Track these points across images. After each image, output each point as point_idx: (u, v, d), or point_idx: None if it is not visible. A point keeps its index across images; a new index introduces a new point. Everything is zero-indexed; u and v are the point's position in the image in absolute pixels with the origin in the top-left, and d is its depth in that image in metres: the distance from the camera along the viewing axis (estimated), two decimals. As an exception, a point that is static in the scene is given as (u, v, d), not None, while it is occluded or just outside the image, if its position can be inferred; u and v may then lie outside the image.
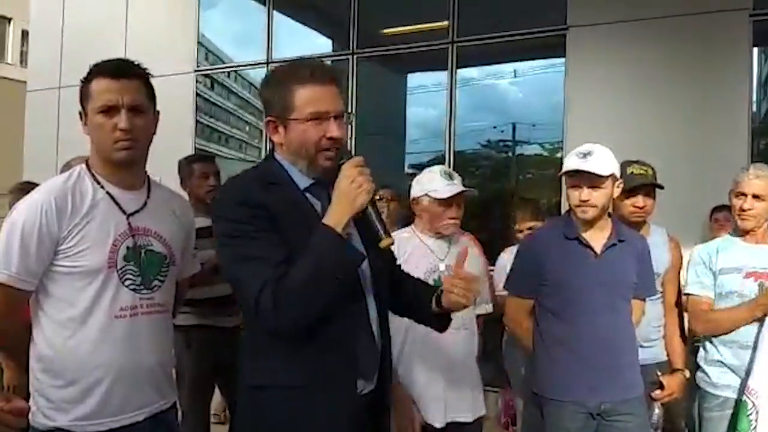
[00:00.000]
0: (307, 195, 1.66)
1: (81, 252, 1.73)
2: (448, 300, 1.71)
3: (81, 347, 1.74)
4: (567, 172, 2.34)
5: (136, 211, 1.84)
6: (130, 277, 1.80)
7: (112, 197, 1.81)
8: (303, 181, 1.66)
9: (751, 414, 2.42)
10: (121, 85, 1.77)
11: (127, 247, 1.79)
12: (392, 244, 1.62)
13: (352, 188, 1.54)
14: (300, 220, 1.58)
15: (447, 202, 2.58)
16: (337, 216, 1.53)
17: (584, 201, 2.32)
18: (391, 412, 1.84)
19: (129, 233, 1.80)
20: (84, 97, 1.79)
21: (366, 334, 1.66)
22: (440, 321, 1.83)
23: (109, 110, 1.75)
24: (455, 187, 2.56)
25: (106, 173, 1.82)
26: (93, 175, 1.82)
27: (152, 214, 1.88)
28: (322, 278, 1.51)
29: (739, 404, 2.48)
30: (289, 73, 1.64)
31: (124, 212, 1.82)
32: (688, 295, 2.72)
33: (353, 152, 1.65)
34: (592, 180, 2.29)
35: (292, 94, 1.60)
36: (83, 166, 1.84)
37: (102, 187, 1.80)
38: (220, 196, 1.73)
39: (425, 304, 1.78)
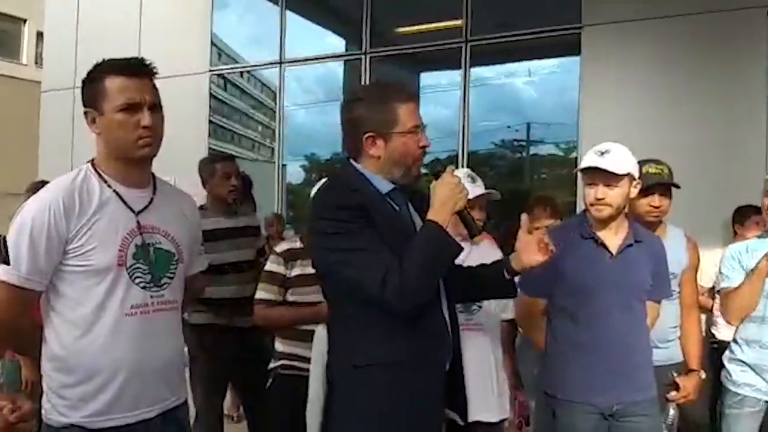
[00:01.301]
0: (387, 199, 1.88)
1: (90, 251, 1.74)
2: (522, 262, 1.93)
3: (93, 345, 1.75)
4: (583, 169, 2.34)
5: (144, 209, 1.85)
6: (140, 275, 1.81)
7: (119, 196, 1.82)
8: (384, 187, 1.88)
9: None
10: (141, 83, 1.80)
11: (136, 245, 1.80)
12: (482, 239, 1.98)
13: (455, 192, 1.82)
14: (387, 220, 1.82)
15: (470, 204, 2.60)
16: (442, 215, 1.80)
17: (599, 199, 2.31)
18: (464, 392, 2.04)
19: (138, 231, 1.81)
20: (94, 95, 1.79)
21: (441, 318, 1.91)
22: (510, 288, 2.04)
23: (130, 108, 1.77)
24: (477, 189, 2.60)
25: (113, 172, 1.83)
26: (99, 175, 1.82)
27: (159, 211, 1.89)
28: (437, 265, 1.80)
29: None
30: (387, 93, 1.89)
31: (132, 210, 1.82)
32: (720, 291, 2.73)
33: None
34: (608, 178, 2.28)
35: (396, 110, 1.84)
36: (89, 165, 1.85)
37: (109, 186, 1.81)
38: (321, 201, 1.91)
39: (500, 277, 1.99)
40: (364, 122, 1.85)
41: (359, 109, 1.87)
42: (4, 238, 1.19)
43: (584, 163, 2.33)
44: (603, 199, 2.30)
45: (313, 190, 2.58)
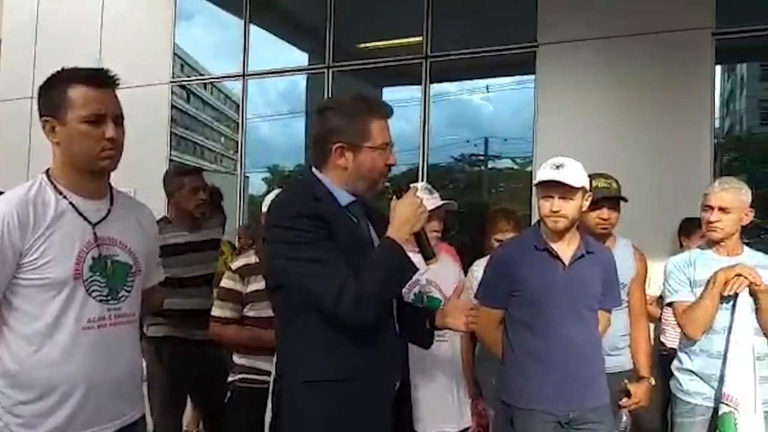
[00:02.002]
0: (346, 211, 1.87)
1: (45, 264, 1.70)
2: (445, 323, 2.04)
3: (48, 360, 1.71)
4: (541, 183, 2.38)
5: (101, 221, 1.82)
6: (97, 287, 1.77)
7: (75, 207, 1.78)
8: (344, 199, 1.87)
9: (737, 421, 2.48)
10: (105, 95, 1.78)
11: (93, 258, 1.77)
12: (436, 263, 1.96)
13: (417, 212, 1.83)
14: (346, 232, 1.81)
15: (428, 216, 2.64)
16: (401, 233, 1.81)
17: (555, 212, 2.36)
18: (411, 410, 2.05)
19: (94, 243, 1.78)
20: (56, 103, 1.74)
21: (394, 334, 1.91)
22: (428, 338, 2.09)
23: (96, 120, 1.74)
24: (435, 200, 2.63)
25: (70, 182, 1.79)
26: (54, 186, 1.78)
27: (116, 223, 1.86)
28: (392, 282, 1.81)
29: (718, 413, 2.53)
30: (363, 106, 1.87)
31: (89, 222, 1.79)
32: (671, 304, 2.77)
33: None
34: (565, 191, 2.34)
35: (369, 125, 1.84)
36: (44, 176, 1.80)
37: (65, 197, 1.77)
38: (280, 209, 1.85)
39: (421, 324, 2.05)
40: (335, 132, 1.84)
41: (334, 118, 1.85)
42: None
43: (541, 177, 2.37)
44: (559, 211, 2.36)
45: (266, 201, 2.56)
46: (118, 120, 1.80)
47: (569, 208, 2.36)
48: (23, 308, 1.72)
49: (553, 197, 2.36)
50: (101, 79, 1.78)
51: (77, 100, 1.73)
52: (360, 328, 1.75)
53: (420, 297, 2.66)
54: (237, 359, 2.78)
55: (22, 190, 1.76)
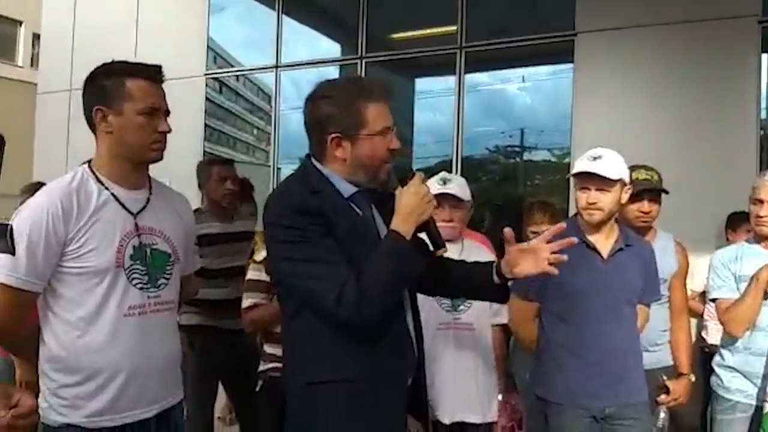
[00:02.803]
0: (350, 203, 1.75)
1: (88, 253, 1.75)
2: (515, 272, 1.76)
3: (92, 346, 1.76)
4: (576, 174, 2.35)
5: (141, 210, 1.87)
6: (138, 276, 1.82)
7: (116, 198, 1.83)
8: (347, 190, 1.75)
9: None
10: (160, 90, 1.86)
11: (133, 247, 1.82)
12: (446, 252, 1.80)
13: (422, 202, 1.70)
14: (349, 225, 1.70)
15: (436, 204, 2.61)
16: (407, 225, 1.68)
17: (591, 204, 2.33)
18: (427, 404, 1.95)
19: (135, 232, 1.83)
20: (112, 94, 1.80)
21: (404, 330, 1.79)
22: (501, 292, 1.88)
23: (152, 112, 1.81)
24: (442, 188, 2.60)
25: (112, 173, 1.84)
26: (96, 177, 1.83)
27: (155, 212, 1.91)
28: (398, 279, 1.68)
29: (763, 411, 2.48)
30: (355, 91, 1.73)
31: (130, 212, 1.84)
32: (714, 300, 2.71)
33: None
34: (601, 183, 2.30)
35: (364, 110, 1.69)
36: (86, 167, 1.86)
37: (106, 188, 1.82)
38: (275, 205, 1.75)
39: (485, 279, 1.83)
40: (329, 122, 1.71)
41: (325, 107, 1.72)
42: (11, 228, 1.19)
43: (577, 168, 2.34)
44: (595, 203, 2.32)
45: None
46: (167, 114, 1.87)
47: (606, 200, 2.32)
48: (67, 295, 1.77)
49: (589, 189, 2.33)
50: (156, 74, 1.86)
51: (136, 92, 1.80)
52: (363, 330, 1.65)
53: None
54: (268, 348, 2.81)
55: (64, 181, 1.81)
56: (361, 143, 1.71)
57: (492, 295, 1.92)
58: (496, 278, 1.81)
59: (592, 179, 2.30)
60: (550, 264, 1.74)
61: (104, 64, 1.86)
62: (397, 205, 1.71)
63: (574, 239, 1.84)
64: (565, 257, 1.77)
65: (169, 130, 1.85)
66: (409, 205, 1.69)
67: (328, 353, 1.69)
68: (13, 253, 1.51)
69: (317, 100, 1.75)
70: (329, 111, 1.71)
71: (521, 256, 1.75)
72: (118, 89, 1.80)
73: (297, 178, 1.80)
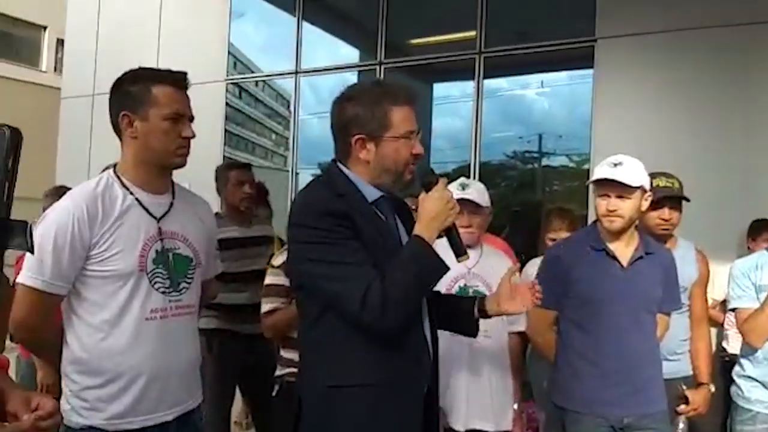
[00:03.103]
0: (374, 207, 1.76)
1: (112, 256, 1.78)
2: (500, 309, 1.87)
3: (114, 348, 1.79)
4: (596, 181, 2.33)
5: (164, 215, 1.89)
6: (160, 280, 1.85)
7: (140, 202, 1.86)
8: (371, 195, 1.76)
9: None
10: (185, 96, 1.90)
11: (156, 251, 1.84)
12: (467, 259, 1.82)
13: (446, 208, 1.71)
14: (374, 231, 1.71)
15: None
16: (430, 231, 1.69)
17: (611, 211, 2.31)
18: (440, 412, 1.97)
19: (158, 237, 1.86)
20: (139, 100, 1.83)
21: (422, 337, 1.79)
22: (474, 327, 1.95)
23: (177, 118, 1.85)
24: (461, 194, 2.59)
25: (137, 178, 1.88)
26: (121, 182, 1.87)
27: (178, 217, 1.93)
28: (421, 284, 1.69)
29: None
30: (382, 94, 1.75)
31: (153, 217, 1.87)
32: (734, 310, 2.69)
33: None
34: (621, 190, 2.29)
35: (389, 113, 1.72)
36: (111, 172, 1.89)
37: (131, 193, 1.85)
38: (302, 206, 1.75)
39: (465, 312, 1.91)
40: (354, 123, 1.73)
41: (351, 108, 1.74)
42: (30, 226, 1.22)
43: (597, 175, 2.33)
44: (615, 210, 2.31)
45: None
46: (191, 120, 1.91)
47: (626, 207, 2.31)
48: (91, 298, 1.80)
49: (609, 196, 2.31)
50: (182, 81, 1.89)
51: (162, 98, 1.83)
52: (386, 334, 1.65)
53: (465, 290, 2.63)
54: (285, 353, 2.82)
55: (90, 185, 1.85)
56: (386, 145, 1.72)
57: (463, 328, 1.96)
58: (476, 313, 1.89)
59: (612, 186, 2.29)
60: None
61: (131, 71, 1.90)
62: (420, 210, 1.72)
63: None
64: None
65: (193, 136, 1.88)
66: (433, 210, 1.70)
67: (350, 357, 1.69)
68: (32, 251, 1.53)
69: (344, 102, 1.78)
70: (355, 112, 1.73)
71: (513, 293, 1.85)
72: (144, 95, 1.83)
73: (323, 181, 1.81)
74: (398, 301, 1.61)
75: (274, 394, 2.80)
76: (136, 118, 1.84)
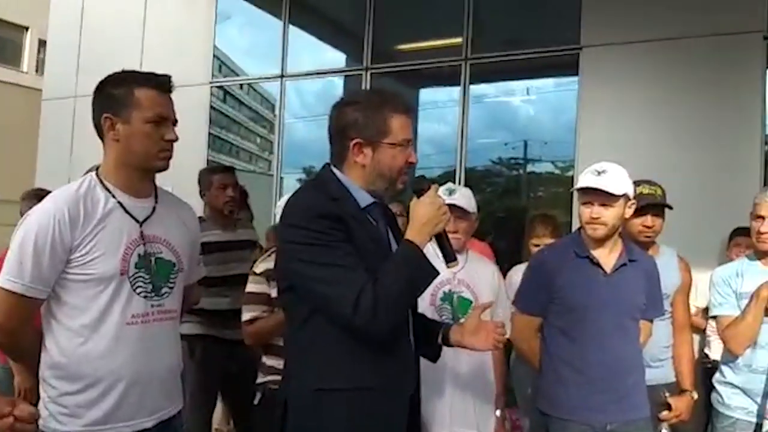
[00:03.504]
0: (366, 213, 1.78)
1: (93, 260, 1.76)
2: (463, 341, 1.90)
3: (94, 353, 1.76)
4: (580, 189, 2.34)
5: (147, 219, 1.88)
6: (141, 284, 1.83)
7: (122, 206, 1.84)
8: (363, 200, 1.78)
9: None
10: (168, 99, 1.88)
11: (138, 255, 1.82)
12: (457, 265, 1.85)
13: (438, 214, 1.72)
14: (366, 235, 1.72)
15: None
16: (421, 236, 1.71)
17: (595, 218, 2.32)
18: (421, 414, 1.97)
19: (140, 241, 1.84)
20: (120, 103, 1.82)
21: (409, 343, 1.82)
22: (436, 353, 1.97)
23: (159, 121, 1.83)
24: (448, 199, 2.59)
25: (119, 181, 1.85)
26: (104, 185, 1.84)
27: (161, 221, 1.91)
28: (412, 288, 1.71)
29: (762, 429, 2.49)
30: (382, 100, 1.78)
31: (136, 220, 1.85)
32: (715, 317, 2.71)
33: None
34: (605, 198, 2.30)
35: (389, 120, 1.74)
36: (93, 175, 1.87)
37: (113, 196, 1.83)
38: (296, 208, 1.75)
39: (432, 337, 1.93)
40: (353, 128, 1.75)
41: (351, 113, 1.76)
42: None
43: (581, 183, 2.34)
44: (598, 218, 2.32)
45: (278, 206, 2.55)
46: (175, 124, 1.89)
47: (609, 215, 2.32)
48: (71, 302, 1.77)
49: (593, 204, 2.33)
50: (165, 84, 1.88)
51: (145, 101, 1.82)
52: (376, 337, 1.66)
53: (450, 296, 2.63)
54: (267, 360, 2.79)
55: (71, 188, 1.82)
56: (383, 151, 1.75)
57: (426, 351, 1.96)
58: (440, 340, 1.92)
59: (596, 194, 2.30)
60: None
61: (114, 73, 1.89)
62: (412, 215, 1.74)
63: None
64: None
65: (176, 139, 1.87)
66: (425, 215, 1.72)
67: (338, 361, 1.70)
68: None
69: (344, 106, 1.80)
70: (355, 117, 1.75)
71: (478, 329, 1.88)
72: (127, 98, 1.82)
73: (315, 184, 1.83)
74: (390, 305, 1.62)
75: (256, 402, 2.77)
76: (119, 120, 1.83)
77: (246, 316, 2.76)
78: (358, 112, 1.76)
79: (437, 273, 1.74)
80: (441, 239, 1.78)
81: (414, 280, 1.69)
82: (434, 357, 1.97)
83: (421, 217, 1.72)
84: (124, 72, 1.89)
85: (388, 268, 1.65)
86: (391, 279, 1.63)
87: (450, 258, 1.79)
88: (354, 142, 1.75)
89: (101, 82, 1.88)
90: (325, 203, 1.70)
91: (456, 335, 1.90)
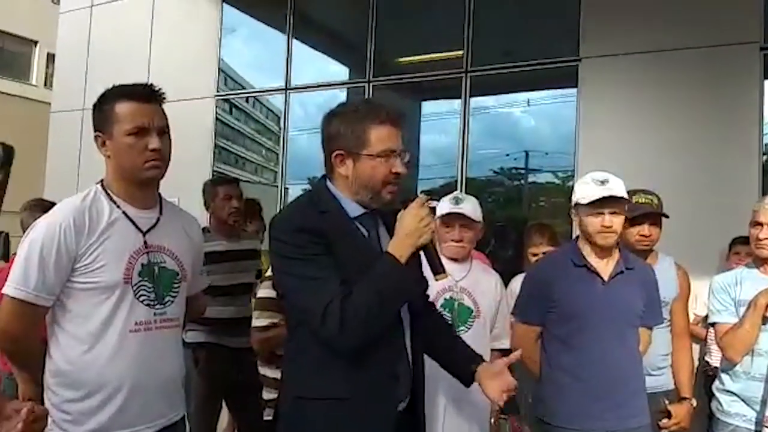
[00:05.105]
0: (356, 223, 1.78)
1: (98, 269, 1.79)
2: (479, 381, 1.89)
3: (97, 361, 1.78)
4: (593, 200, 2.33)
5: (150, 229, 1.90)
6: (144, 292, 1.85)
7: (127, 216, 1.86)
8: (353, 211, 1.78)
9: None
10: (149, 108, 1.86)
11: (142, 264, 1.85)
12: (445, 278, 1.79)
13: (420, 226, 1.70)
14: (352, 246, 1.72)
15: (447, 224, 2.64)
16: (402, 249, 1.69)
17: (608, 227, 2.33)
18: (425, 429, 1.93)
19: (144, 250, 1.86)
20: (105, 119, 1.84)
21: (402, 356, 1.78)
22: (468, 381, 1.96)
23: (139, 132, 1.83)
24: (454, 208, 2.63)
25: (122, 193, 1.88)
26: (108, 195, 1.87)
27: (165, 231, 1.94)
28: (385, 303, 1.67)
29: None
30: (363, 112, 1.77)
31: (140, 230, 1.87)
32: (713, 324, 2.71)
33: None
34: (614, 206, 2.32)
35: (367, 131, 1.73)
36: (98, 186, 1.90)
37: (118, 206, 1.86)
38: (279, 221, 1.78)
39: (464, 365, 1.94)
40: (335, 139, 1.76)
41: (336, 125, 1.77)
42: (6, 235, 1.23)
43: (593, 195, 2.33)
44: (611, 226, 2.33)
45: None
46: (163, 131, 1.88)
47: (618, 222, 2.35)
48: (76, 310, 1.80)
49: (603, 213, 2.34)
50: (144, 94, 1.87)
51: (122, 115, 1.83)
52: (345, 350, 1.65)
53: (451, 303, 2.65)
54: (270, 372, 2.78)
55: (77, 199, 1.85)
56: (363, 162, 1.74)
57: (459, 377, 1.98)
58: (469, 372, 1.91)
59: (608, 203, 2.32)
60: None
61: (103, 91, 1.90)
62: (397, 227, 1.73)
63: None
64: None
65: (160, 147, 1.84)
66: (407, 227, 1.71)
67: (318, 370, 1.71)
68: (6, 259, 1.53)
69: (331, 117, 1.81)
70: (338, 128, 1.76)
71: (498, 376, 1.86)
72: (109, 113, 1.84)
73: (307, 197, 1.85)
74: (358, 319, 1.61)
75: (270, 418, 2.75)
76: (105, 137, 1.86)
77: (262, 322, 2.73)
78: (342, 123, 1.76)
79: (416, 287, 1.74)
80: (428, 251, 1.76)
81: (389, 294, 1.66)
82: (467, 384, 1.97)
83: (404, 228, 1.71)
84: (110, 89, 1.90)
85: (362, 282, 1.64)
86: (362, 293, 1.63)
87: (437, 270, 1.76)
88: (336, 153, 1.76)
89: (94, 102, 1.90)
90: (307, 216, 1.72)
91: (479, 373, 1.90)
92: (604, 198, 2.31)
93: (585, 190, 2.37)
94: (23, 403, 1.29)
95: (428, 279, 1.96)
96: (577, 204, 2.41)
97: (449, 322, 2.63)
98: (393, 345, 1.76)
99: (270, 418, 2.65)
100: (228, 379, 3.36)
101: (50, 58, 16.25)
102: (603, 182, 2.33)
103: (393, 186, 1.76)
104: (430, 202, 1.77)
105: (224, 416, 3.78)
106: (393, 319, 1.74)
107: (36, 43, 19.00)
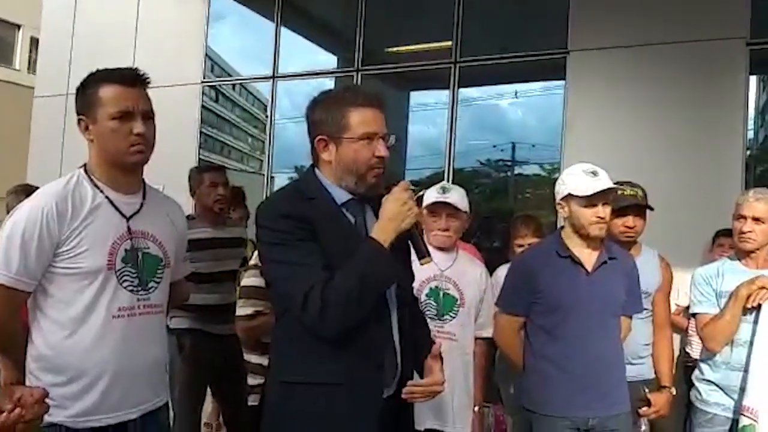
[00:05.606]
0: (343, 210, 1.78)
1: (80, 254, 1.77)
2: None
3: (80, 346, 1.78)
4: (590, 193, 2.34)
5: (134, 214, 1.89)
6: (128, 278, 1.84)
7: (110, 201, 1.85)
8: (340, 197, 1.78)
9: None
10: (134, 93, 1.84)
11: (125, 250, 1.84)
12: (430, 262, 1.79)
13: (403, 210, 1.70)
14: (337, 233, 1.73)
15: (434, 213, 2.65)
16: (385, 233, 1.69)
17: (602, 218, 2.36)
18: (412, 418, 1.94)
19: (128, 236, 1.85)
20: (88, 103, 1.83)
21: (386, 338, 1.78)
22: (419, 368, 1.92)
23: (124, 116, 1.81)
24: (441, 197, 2.63)
25: (105, 178, 1.86)
26: (92, 180, 1.85)
27: (148, 217, 1.93)
28: (366, 288, 1.66)
29: (739, 425, 2.50)
30: (343, 97, 1.78)
31: (123, 215, 1.86)
32: (695, 315, 2.74)
33: None
34: (606, 197, 2.35)
35: (347, 115, 1.74)
36: (81, 171, 1.88)
37: (101, 191, 1.84)
38: (265, 208, 1.80)
39: (420, 355, 1.89)
40: (317, 125, 1.77)
41: (318, 111, 1.79)
42: None
43: (592, 188, 2.34)
44: (605, 217, 2.37)
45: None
46: (147, 116, 1.86)
47: (608, 212, 2.39)
48: (58, 295, 1.79)
49: (598, 205, 2.36)
50: (129, 78, 1.85)
51: (107, 98, 1.81)
52: (327, 335, 1.66)
53: (436, 292, 2.67)
54: (256, 359, 2.79)
55: (59, 183, 1.84)
56: (345, 147, 1.75)
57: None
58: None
59: (600, 194, 2.34)
60: None
61: (87, 75, 1.88)
62: (380, 212, 1.74)
63: None
64: None
65: (145, 131, 1.83)
66: (390, 211, 1.71)
67: (302, 355, 1.72)
68: None
69: (313, 105, 1.82)
70: (320, 115, 1.78)
71: (430, 372, 1.84)
72: (93, 97, 1.82)
73: (294, 184, 1.88)
74: (338, 305, 1.62)
75: (256, 403, 2.75)
76: (89, 121, 1.84)
77: (239, 311, 2.74)
78: (323, 109, 1.78)
79: (398, 273, 1.75)
80: (412, 235, 1.77)
81: (367, 277, 1.65)
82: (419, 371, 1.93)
83: (387, 213, 1.71)
84: (93, 72, 1.88)
85: (344, 267, 1.64)
86: (343, 278, 1.63)
87: (422, 254, 1.77)
88: (318, 138, 1.78)
89: (77, 86, 1.89)
90: (291, 203, 1.73)
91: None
92: (599, 190, 2.33)
93: (577, 182, 2.38)
94: (15, 389, 1.29)
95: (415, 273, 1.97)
96: (569, 195, 2.41)
97: (436, 311, 2.66)
98: (379, 332, 1.76)
99: (255, 403, 2.68)
100: (212, 365, 3.36)
101: (34, 42, 16.01)
102: (594, 174, 2.35)
103: (377, 170, 1.76)
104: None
105: (209, 402, 3.78)
106: (376, 305, 1.73)
107: (20, 27, 18.74)
